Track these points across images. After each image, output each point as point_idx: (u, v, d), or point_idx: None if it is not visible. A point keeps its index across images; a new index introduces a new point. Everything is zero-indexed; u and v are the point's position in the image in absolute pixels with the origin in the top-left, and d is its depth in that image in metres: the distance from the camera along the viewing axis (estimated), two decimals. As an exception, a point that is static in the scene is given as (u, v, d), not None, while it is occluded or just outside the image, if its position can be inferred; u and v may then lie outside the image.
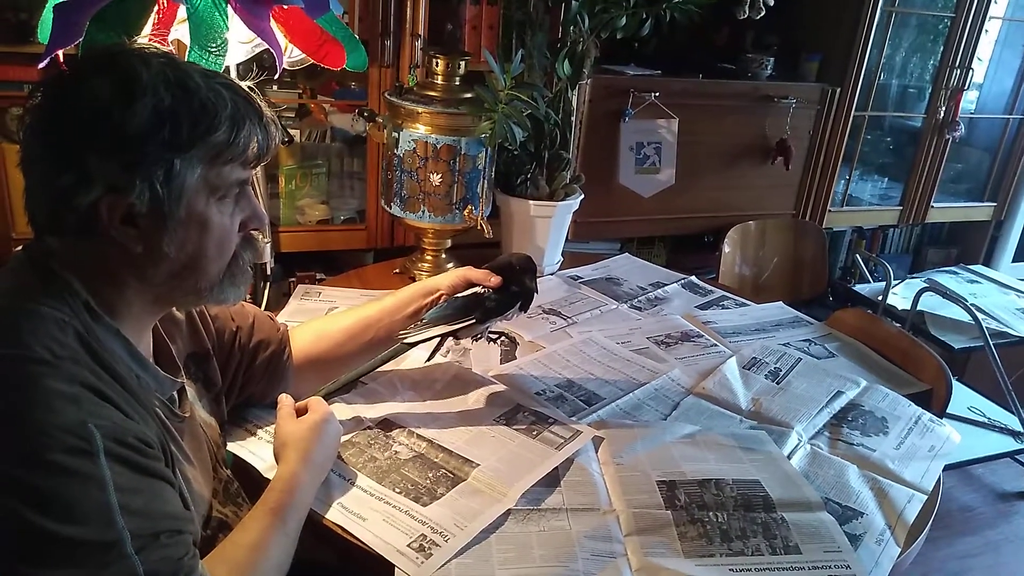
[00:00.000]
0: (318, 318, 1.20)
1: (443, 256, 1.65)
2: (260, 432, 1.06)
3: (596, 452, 1.10)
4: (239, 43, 1.05)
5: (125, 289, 0.79)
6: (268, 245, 1.36)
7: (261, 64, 1.16)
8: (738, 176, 2.24)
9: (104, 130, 0.71)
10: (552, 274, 1.77)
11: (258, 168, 0.87)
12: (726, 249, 2.23)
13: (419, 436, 1.08)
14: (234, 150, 0.78)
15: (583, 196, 1.76)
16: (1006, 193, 2.75)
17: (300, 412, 1.01)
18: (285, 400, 1.02)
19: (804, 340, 1.54)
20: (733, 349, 1.46)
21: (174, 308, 0.92)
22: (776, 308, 1.71)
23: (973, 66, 2.49)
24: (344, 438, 1.05)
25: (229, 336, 1.02)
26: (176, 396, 0.87)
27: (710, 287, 1.80)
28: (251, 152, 0.80)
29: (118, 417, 0.70)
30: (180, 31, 0.99)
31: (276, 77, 1.06)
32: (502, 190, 1.70)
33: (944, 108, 2.46)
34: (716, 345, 1.48)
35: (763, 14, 2.04)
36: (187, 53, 0.96)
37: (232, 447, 1.02)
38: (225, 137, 0.76)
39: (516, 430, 1.11)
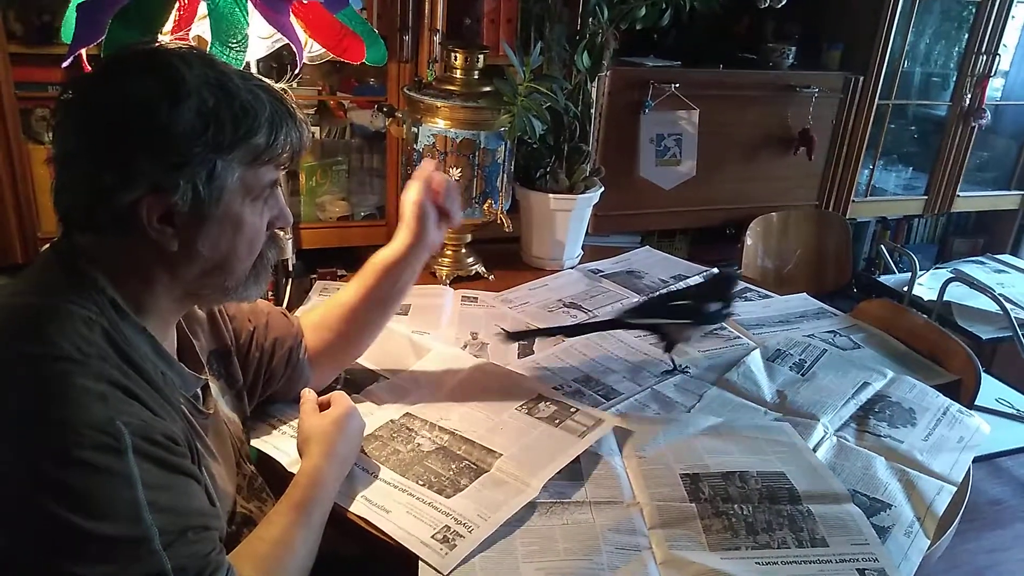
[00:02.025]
0: (316, 306, 1.19)
1: (463, 251, 1.65)
2: (283, 427, 1.06)
3: (619, 445, 1.09)
4: (259, 39, 1.06)
5: (154, 286, 0.79)
6: (290, 241, 1.36)
7: (280, 61, 1.16)
8: (760, 167, 2.21)
9: (150, 130, 0.71)
10: (573, 268, 1.76)
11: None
12: (748, 241, 2.21)
13: (441, 428, 1.08)
14: (271, 152, 0.78)
15: (603, 189, 1.75)
16: (1033, 181, 2.70)
17: (323, 406, 1.02)
18: (308, 395, 1.03)
19: (829, 331, 1.52)
20: (757, 341, 1.45)
21: (197, 305, 0.93)
22: (800, 299, 1.69)
23: (1000, 53, 2.44)
24: (367, 431, 1.05)
25: (247, 336, 1.02)
26: (200, 393, 0.88)
27: (732, 279, 1.78)
28: (286, 154, 0.81)
29: (146, 414, 0.71)
30: (200, 27, 1.00)
31: (296, 73, 1.07)
32: (522, 184, 1.70)
33: (970, 96, 2.42)
34: (740, 337, 1.47)
35: (784, 3, 2.03)
36: (208, 49, 0.97)
37: (256, 442, 1.03)
38: (264, 139, 0.77)
39: (538, 419, 1.11)
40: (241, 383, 1.02)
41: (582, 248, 1.81)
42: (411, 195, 1.10)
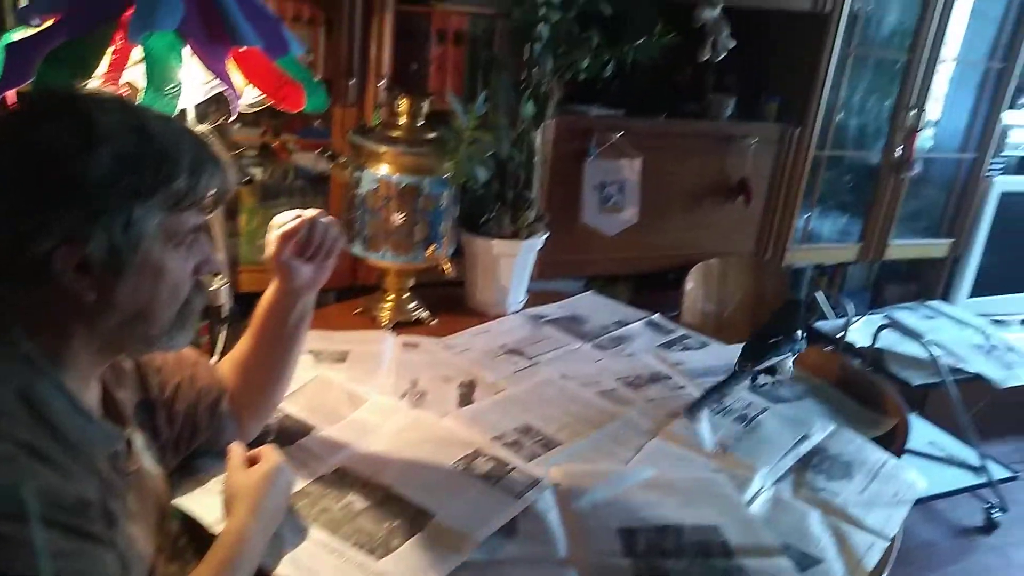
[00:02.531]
0: (224, 358, 1.14)
1: (405, 296, 1.64)
2: (210, 482, 1.02)
3: (555, 499, 1.08)
4: (196, 84, 1.04)
5: (71, 339, 0.76)
6: (226, 286, 1.33)
7: (217, 104, 1.14)
8: (701, 214, 2.26)
9: (63, 177, 0.69)
10: (517, 313, 1.76)
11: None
12: (689, 286, 2.25)
13: (375, 484, 1.05)
14: (193, 196, 0.77)
15: (547, 235, 1.76)
16: (962, 230, 2.81)
17: (252, 461, 0.99)
18: (235, 449, 1.00)
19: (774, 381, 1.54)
20: (702, 391, 1.46)
21: (122, 356, 0.90)
22: (748, 348, 1.72)
23: (928, 106, 2.55)
24: (297, 487, 1.02)
25: (172, 388, 0.99)
26: (123, 448, 0.84)
27: (672, 325, 1.81)
28: (209, 198, 0.79)
29: (55, 478, 0.67)
30: (134, 72, 0.98)
31: (230, 119, 1.05)
32: (466, 229, 1.70)
33: (900, 148, 2.51)
34: (684, 387, 1.48)
35: (723, 56, 2.09)
36: (141, 95, 0.95)
37: (180, 499, 0.99)
38: (185, 184, 0.75)
39: (475, 476, 1.10)
40: (166, 436, 0.98)
41: (526, 293, 1.81)
42: (268, 252, 1.04)
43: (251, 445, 1.05)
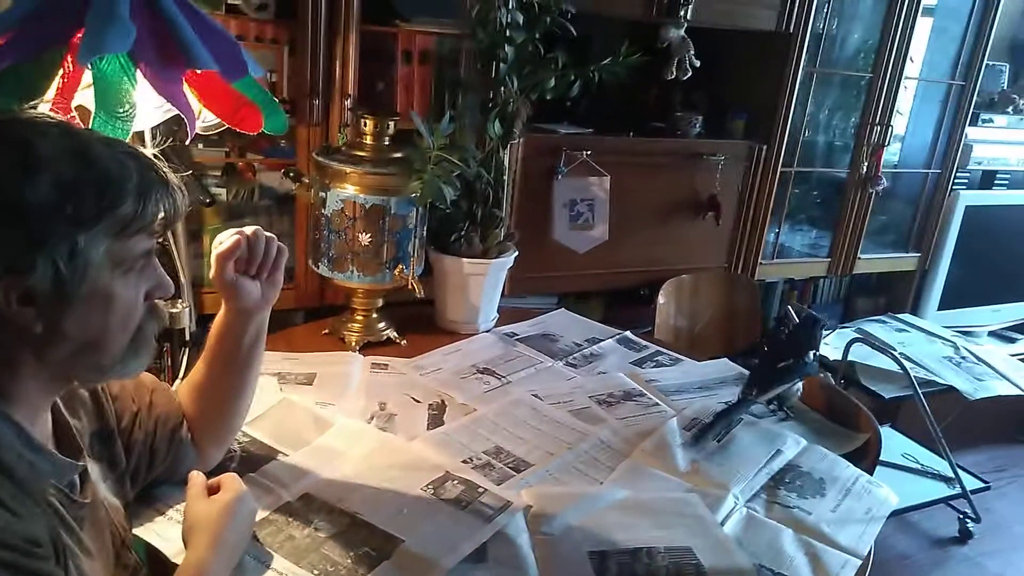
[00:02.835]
0: (182, 383, 1.11)
1: (374, 315, 1.62)
2: (170, 512, 0.99)
3: (527, 522, 1.06)
4: (150, 108, 1.02)
5: (19, 370, 0.74)
6: (187, 309, 1.30)
7: (180, 124, 1.12)
8: (671, 231, 2.27)
9: (1, 207, 0.67)
10: (488, 331, 1.75)
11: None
12: (661, 301, 2.25)
13: (341, 511, 1.03)
14: (141, 221, 0.74)
15: (517, 253, 1.75)
16: (929, 243, 2.85)
17: (213, 490, 0.96)
18: (195, 478, 0.97)
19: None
20: (675, 409, 1.45)
21: (75, 385, 0.87)
22: (721, 365, 1.71)
23: (895, 121, 2.59)
24: (261, 515, 0.99)
25: (130, 417, 0.96)
26: (77, 479, 0.81)
27: (644, 342, 1.80)
28: (158, 222, 0.77)
29: (1, 517, 0.65)
30: (84, 96, 0.96)
31: (188, 143, 1.03)
32: (435, 248, 1.68)
33: (866, 164, 2.55)
34: (658, 404, 1.47)
35: (690, 75, 2.11)
36: (91, 119, 0.93)
37: (139, 530, 0.96)
38: (132, 209, 0.73)
39: (444, 500, 1.08)
40: (124, 466, 0.95)
41: (498, 311, 1.80)
42: (211, 274, 1.02)
43: (213, 472, 1.02)
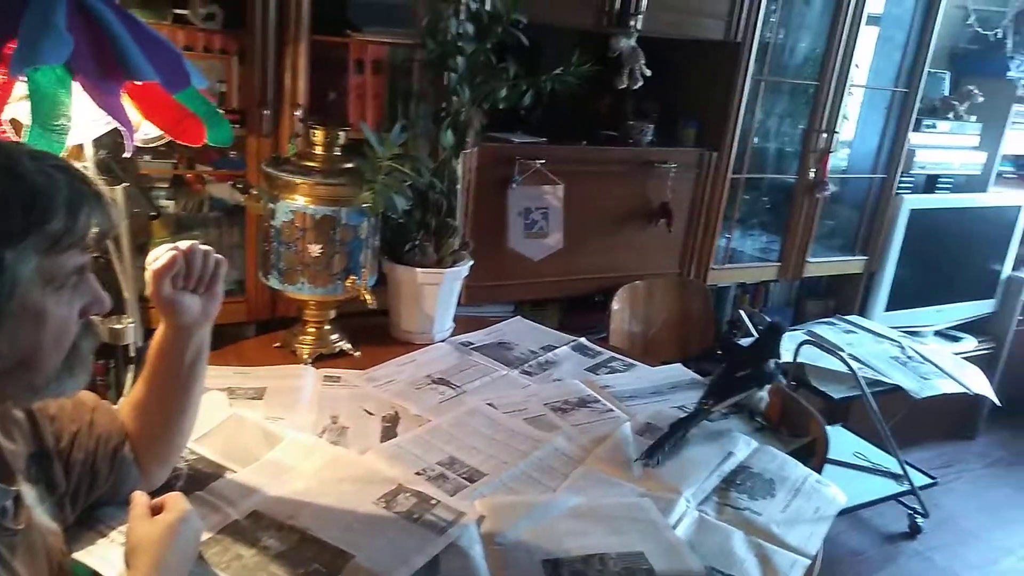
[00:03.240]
0: (123, 400, 1.09)
1: (327, 328, 1.60)
2: (112, 534, 0.97)
3: (479, 533, 1.06)
4: (91, 120, 1.00)
5: None
6: (132, 325, 1.28)
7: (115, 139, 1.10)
8: (625, 238, 2.29)
9: None
10: (444, 341, 1.74)
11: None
12: (615, 307, 2.27)
13: (291, 528, 1.01)
14: (72, 236, 0.72)
15: (472, 262, 1.75)
16: (875, 247, 2.92)
17: (157, 510, 0.94)
18: (138, 498, 0.94)
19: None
20: (629, 414, 1.47)
21: (8, 406, 0.85)
22: (674, 370, 1.73)
23: (843, 128, 2.66)
24: (207, 535, 0.97)
25: (68, 438, 0.93)
26: (11, 505, 0.79)
27: (599, 348, 1.81)
28: (91, 236, 0.75)
29: None
30: (17, 109, 0.93)
31: (127, 156, 1.01)
32: (389, 258, 1.67)
33: (813, 169, 2.60)
34: (612, 410, 1.48)
35: (641, 84, 2.13)
36: (25, 133, 0.91)
37: (79, 554, 0.93)
38: (62, 224, 0.71)
39: (397, 513, 1.07)
40: (63, 488, 0.93)
41: (453, 320, 1.79)
42: (147, 291, 0.99)
43: (159, 492, 1.00)
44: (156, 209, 1.46)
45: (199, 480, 1.11)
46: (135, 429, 1.02)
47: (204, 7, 1.57)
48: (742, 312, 2.43)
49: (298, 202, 1.44)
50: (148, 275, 0.95)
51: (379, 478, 1.15)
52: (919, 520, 2.69)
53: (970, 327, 3.39)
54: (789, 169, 2.66)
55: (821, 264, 2.81)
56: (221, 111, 1.14)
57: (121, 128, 0.94)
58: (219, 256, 1.00)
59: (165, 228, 1.71)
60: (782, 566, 1.07)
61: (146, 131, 1.09)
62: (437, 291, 1.68)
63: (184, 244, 0.96)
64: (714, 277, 2.52)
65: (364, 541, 1.00)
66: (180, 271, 0.95)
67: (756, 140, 2.56)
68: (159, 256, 0.95)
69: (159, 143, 1.15)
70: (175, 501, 0.94)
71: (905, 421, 2.75)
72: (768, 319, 1.57)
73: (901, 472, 2.57)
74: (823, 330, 2.67)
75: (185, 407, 1.04)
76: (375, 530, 1.03)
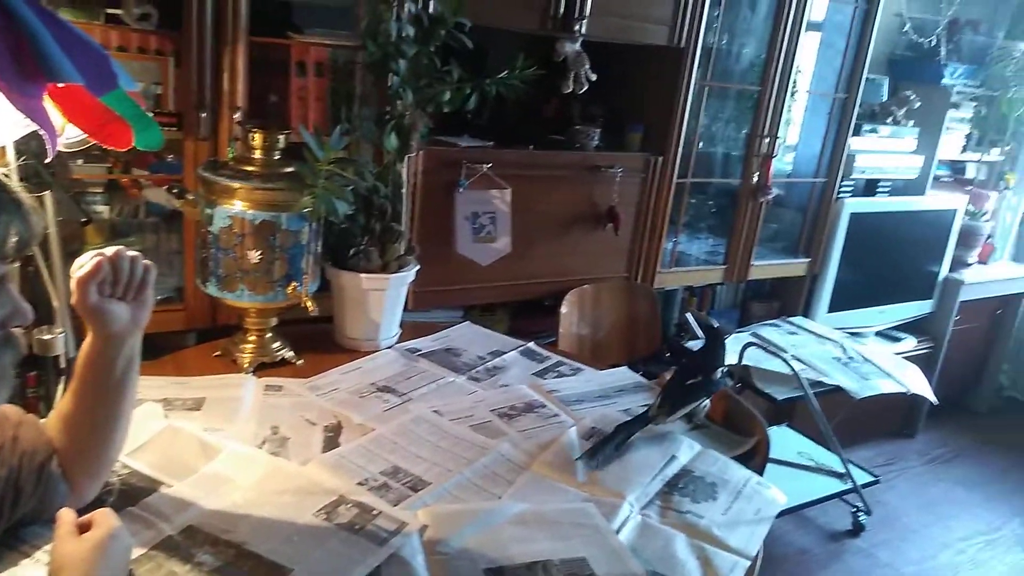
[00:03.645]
0: (51, 414, 1.04)
1: (268, 335, 1.57)
2: (37, 554, 0.93)
3: (422, 543, 1.05)
4: (11, 123, 0.96)
5: None
6: (62, 335, 1.23)
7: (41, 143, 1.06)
8: (573, 242, 2.29)
9: None
10: (390, 347, 1.72)
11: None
12: (564, 311, 2.28)
13: (226, 542, 0.99)
14: None
15: (418, 267, 1.74)
16: (818, 249, 2.98)
17: (85, 527, 0.90)
18: (64, 515, 0.91)
19: (645, 405, 1.55)
20: (575, 418, 1.47)
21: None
22: (621, 373, 1.74)
23: (789, 132, 2.70)
24: (138, 552, 0.94)
25: None
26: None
27: (547, 353, 1.82)
28: (10, 246, 0.72)
29: None
30: (-69, 112, 0.89)
31: (48, 160, 0.97)
32: (333, 264, 1.65)
33: (757, 174, 2.65)
34: (559, 415, 1.48)
35: (586, 88, 2.14)
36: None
37: (3, 575, 0.89)
38: None
39: (337, 525, 1.05)
40: (-16, 509, 0.89)
41: (400, 326, 1.77)
42: (72, 300, 0.95)
43: (90, 508, 0.96)
44: (87, 215, 1.41)
45: (132, 495, 1.07)
46: (63, 443, 0.98)
47: (138, 7, 1.53)
48: (688, 315, 2.46)
49: (236, 207, 1.41)
50: (73, 283, 0.91)
51: (320, 489, 1.12)
52: (862, 518, 2.75)
53: (910, 327, 3.49)
54: (735, 173, 2.69)
55: (766, 267, 2.86)
56: (151, 114, 1.11)
57: (42, 132, 0.90)
58: (147, 262, 0.96)
59: (99, 234, 1.66)
60: (723, 568, 1.08)
61: (70, 134, 1.05)
62: (382, 297, 1.66)
63: (110, 250, 0.93)
64: (661, 280, 2.54)
65: (303, 554, 0.98)
66: (106, 278, 0.92)
67: (702, 145, 2.59)
68: (84, 263, 0.91)
69: (85, 147, 1.10)
70: (103, 518, 0.90)
71: (848, 420, 2.82)
72: (712, 322, 1.57)
73: (844, 471, 2.63)
74: (768, 332, 2.72)
75: (116, 419, 1.01)
76: (315, 543, 1.01)
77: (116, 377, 0.97)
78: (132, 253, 0.95)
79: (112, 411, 0.99)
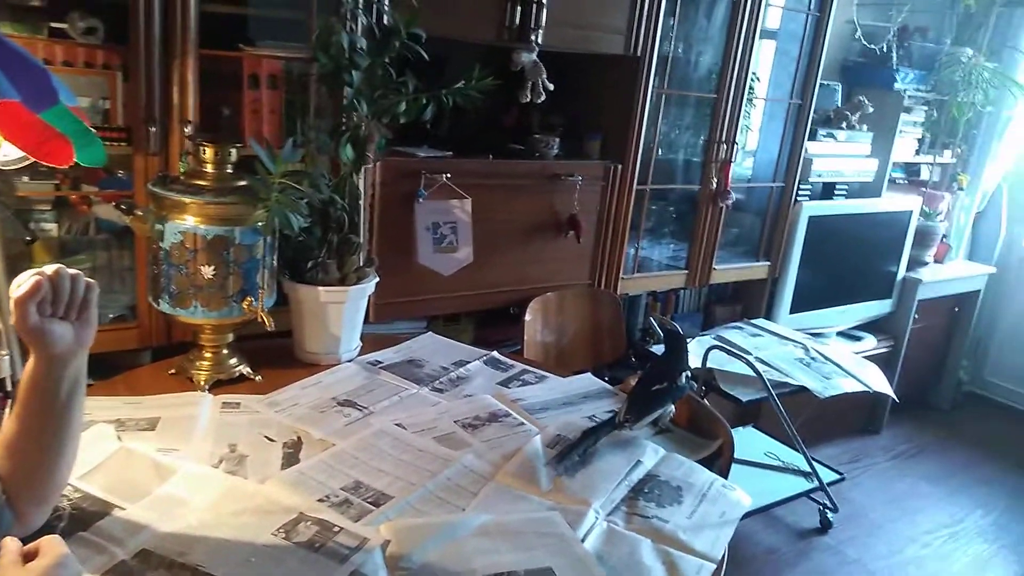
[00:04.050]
0: None
1: (224, 351, 1.54)
2: (-20, 586, 0.90)
3: (384, 559, 1.03)
4: (-55, 139, 0.93)
5: None
6: (7, 357, 1.19)
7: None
8: (535, 250, 2.29)
9: None
10: (351, 361, 1.70)
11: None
12: (528, 319, 2.27)
13: (182, 565, 0.96)
14: None
15: (378, 279, 1.72)
16: (778, 252, 3.02)
17: (30, 556, 0.87)
18: (9, 544, 0.87)
19: (609, 411, 1.55)
20: (540, 427, 1.46)
21: None
22: (585, 380, 1.74)
23: (741, 140, 2.74)
24: (89, 580, 0.91)
25: None
26: None
27: (511, 361, 1.81)
28: None
29: None
30: None
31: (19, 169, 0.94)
32: (290, 277, 1.62)
33: (716, 179, 2.67)
34: (523, 424, 1.48)
35: (544, 98, 2.15)
36: None
37: (-59, 610, 0.86)
38: None
39: (297, 544, 1.03)
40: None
41: (361, 339, 1.75)
42: (11, 321, 0.93)
43: (38, 534, 0.93)
44: (33, 234, 1.37)
45: (83, 519, 1.04)
46: (8, 469, 0.95)
47: (83, 21, 1.50)
48: (653, 320, 2.47)
49: (187, 222, 1.38)
50: (11, 303, 0.88)
51: (279, 508, 1.10)
52: (829, 515, 2.78)
53: (870, 327, 3.55)
54: (696, 179, 2.72)
55: (727, 270, 2.89)
56: (95, 129, 1.08)
57: (-24, 148, 0.88)
58: (89, 280, 0.94)
59: (48, 253, 1.62)
60: (688, 572, 1.08)
61: (7, 152, 1.02)
62: (342, 309, 1.64)
63: (49, 268, 0.90)
64: (625, 286, 2.55)
65: (261, 575, 0.95)
66: (47, 297, 0.89)
67: (662, 151, 2.61)
68: (21, 283, 0.89)
69: (26, 164, 1.07)
70: (50, 545, 0.87)
71: (813, 419, 2.85)
72: (672, 327, 1.58)
73: (810, 469, 2.65)
74: (731, 334, 2.74)
75: (63, 443, 0.98)
76: (273, 563, 0.98)
77: (61, 400, 0.94)
78: (73, 271, 0.92)
79: (58, 435, 0.96)
